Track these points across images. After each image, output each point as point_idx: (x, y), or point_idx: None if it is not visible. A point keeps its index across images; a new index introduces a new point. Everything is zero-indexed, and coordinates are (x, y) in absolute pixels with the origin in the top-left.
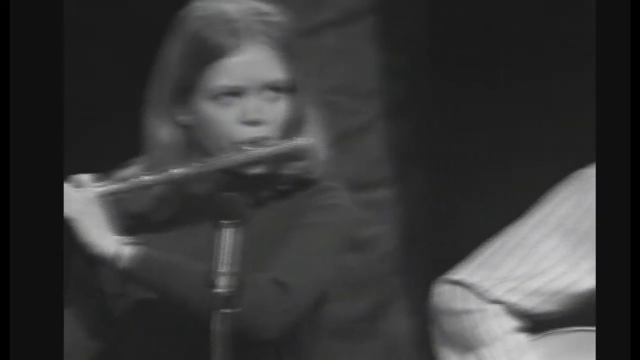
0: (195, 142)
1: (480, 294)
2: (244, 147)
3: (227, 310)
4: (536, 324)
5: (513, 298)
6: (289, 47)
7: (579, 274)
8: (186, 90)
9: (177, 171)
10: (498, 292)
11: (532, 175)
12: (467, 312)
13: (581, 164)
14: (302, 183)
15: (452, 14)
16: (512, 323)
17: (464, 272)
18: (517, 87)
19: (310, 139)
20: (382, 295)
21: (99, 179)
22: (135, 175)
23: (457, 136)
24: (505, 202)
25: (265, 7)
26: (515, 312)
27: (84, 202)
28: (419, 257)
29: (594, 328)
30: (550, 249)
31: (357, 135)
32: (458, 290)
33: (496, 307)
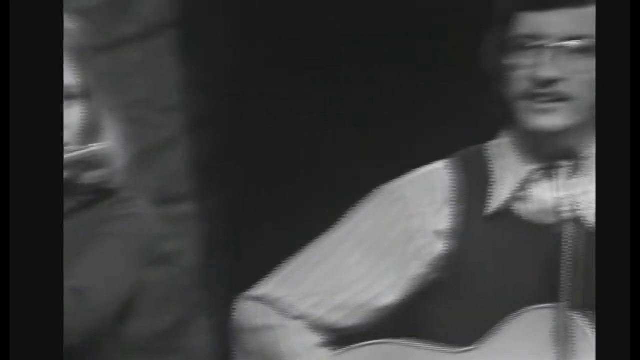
0: None
1: (283, 310)
2: None
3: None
4: (340, 338)
5: (317, 313)
6: (80, 53)
7: (381, 288)
8: None
9: None
10: (301, 308)
11: (336, 190)
12: (268, 328)
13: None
14: (102, 193)
15: (253, 26)
16: (315, 338)
17: (266, 287)
18: (319, 96)
19: (107, 145)
20: (184, 311)
21: None
22: None
23: (260, 149)
24: (309, 217)
25: None
26: (319, 327)
27: None
28: (221, 273)
29: (395, 340)
30: (354, 264)
31: (160, 149)
32: (260, 306)
33: (298, 323)
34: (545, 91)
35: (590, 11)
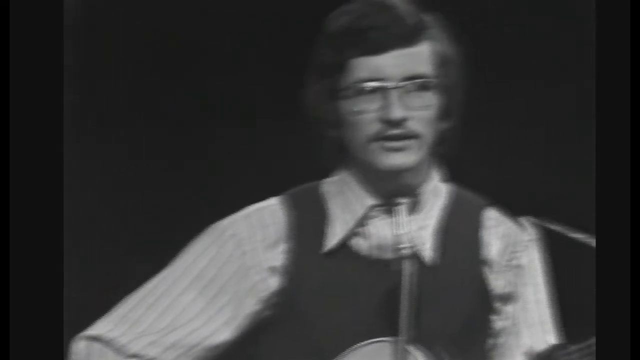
0: None
1: (118, 349)
2: None
3: None
4: None
5: (152, 352)
6: None
7: (215, 327)
8: None
9: None
10: (136, 347)
11: (162, 232)
12: None
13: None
14: None
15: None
16: None
17: (102, 327)
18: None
19: None
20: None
21: None
22: None
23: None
24: (147, 255)
25: None
26: None
27: None
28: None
29: None
30: (189, 302)
31: None
32: (96, 345)
33: None
34: (395, 132)
35: (422, 49)
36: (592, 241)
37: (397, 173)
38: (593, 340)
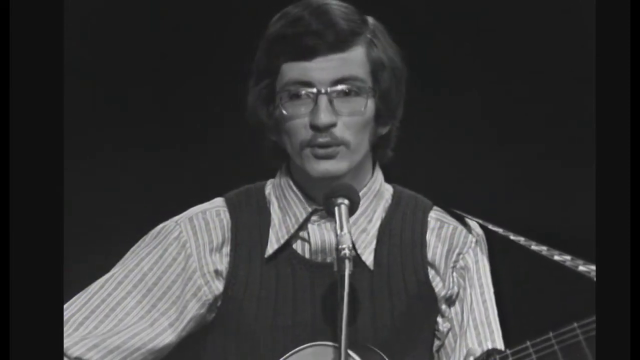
0: None
1: (63, 354)
2: None
3: None
4: None
5: (95, 356)
6: None
7: (159, 330)
8: None
9: None
10: (79, 350)
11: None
12: None
13: None
14: None
15: None
16: None
17: None
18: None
19: None
20: None
21: None
22: None
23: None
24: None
25: None
26: None
27: None
28: None
29: None
30: (133, 306)
31: None
32: None
33: None
34: (323, 140)
35: (355, 54)
36: (530, 244)
37: (330, 180)
38: (528, 343)
